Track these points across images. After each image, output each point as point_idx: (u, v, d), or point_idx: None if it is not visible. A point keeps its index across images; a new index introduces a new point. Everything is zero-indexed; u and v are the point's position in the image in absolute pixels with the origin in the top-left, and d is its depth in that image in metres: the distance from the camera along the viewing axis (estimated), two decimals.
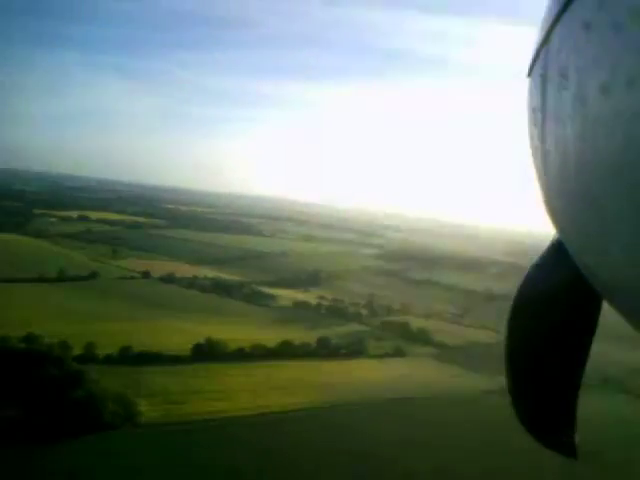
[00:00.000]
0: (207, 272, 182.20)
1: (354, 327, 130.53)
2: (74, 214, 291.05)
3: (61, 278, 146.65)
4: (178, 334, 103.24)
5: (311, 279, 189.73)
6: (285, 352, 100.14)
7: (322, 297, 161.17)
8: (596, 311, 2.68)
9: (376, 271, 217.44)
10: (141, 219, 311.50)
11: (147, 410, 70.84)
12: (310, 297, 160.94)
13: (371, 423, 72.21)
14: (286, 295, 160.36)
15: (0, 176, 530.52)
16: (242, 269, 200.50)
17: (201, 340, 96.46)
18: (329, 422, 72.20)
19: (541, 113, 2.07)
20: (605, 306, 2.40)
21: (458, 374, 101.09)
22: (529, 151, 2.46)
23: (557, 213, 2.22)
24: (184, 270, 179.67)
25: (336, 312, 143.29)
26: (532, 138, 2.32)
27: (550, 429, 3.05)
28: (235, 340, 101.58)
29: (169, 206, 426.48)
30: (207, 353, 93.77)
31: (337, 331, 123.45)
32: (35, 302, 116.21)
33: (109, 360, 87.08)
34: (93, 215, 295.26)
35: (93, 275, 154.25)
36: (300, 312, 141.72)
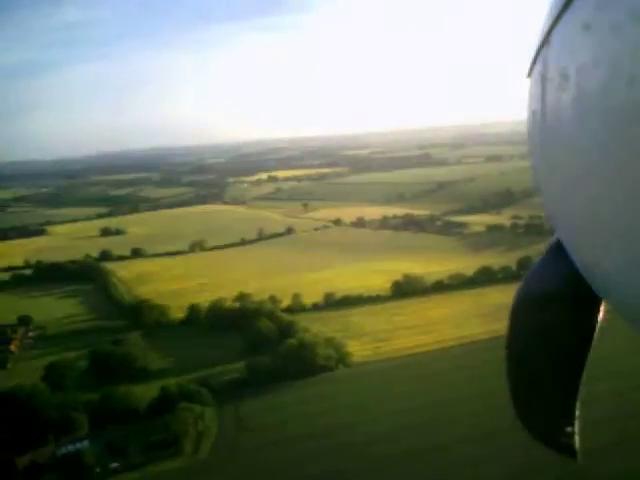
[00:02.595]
0: (396, 211, 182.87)
1: None
2: (263, 176, 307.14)
3: (260, 238, 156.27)
4: (376, 274, 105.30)
5: (503, 200, 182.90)
6: (485, 279, 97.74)
7: (517, 217, 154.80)
8: (596, 311, 2.65)
9: None
10: (325, 170, 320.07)
11: (357, 350, 73.36)
12: (504, 219, 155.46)
13: None
14: (479, 221, 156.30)
15: (191, 153, 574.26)
16: (431, 202, 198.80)
17: (399, 277, 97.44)
18: None
19: (541, 113, 2.05)
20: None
21: None
22: (529, 151, 2.44)
23: (557, 213, 2.21)
24: (374, 212, 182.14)
25: (534, 230, 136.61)
26: (532, 138, 2.30)
27: (550, 429, 3.04)
28: (432, 273, 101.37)
29: (349, 153, 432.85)
30: (406, 289, 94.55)
31: (538, 249, 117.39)
32: (241, 264, 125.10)
33: (316, 308, 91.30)
34: (280, 174, 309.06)
35: (289, 231, 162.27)
36: (495, 236, 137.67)
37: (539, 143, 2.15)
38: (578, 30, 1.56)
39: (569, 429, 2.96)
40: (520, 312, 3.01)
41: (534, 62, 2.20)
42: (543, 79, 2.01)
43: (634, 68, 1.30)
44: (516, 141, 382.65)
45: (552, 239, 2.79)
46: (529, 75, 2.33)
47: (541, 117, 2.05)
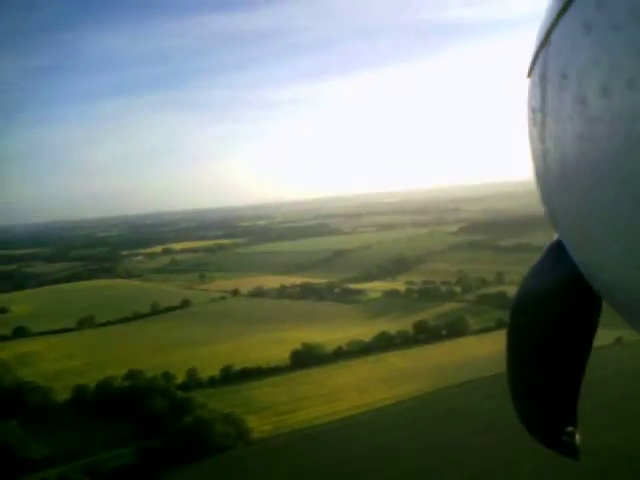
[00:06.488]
0: (294, 280, 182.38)
1: (450, 306, 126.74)
2: (158, 249, 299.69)
3: (155, 312, 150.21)
4: (275, 345, 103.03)
5: (397, 267, 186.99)
6: (383, 344, 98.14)
7: (411, 282, 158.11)
8: (596, 311, 2.69)
9: (462, 246, 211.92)
10: (222, 241, 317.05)
11: (257, 425, 70.34)
12: (399, 285, 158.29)
13: (488, 401, 68.86)
14: (375, 287, 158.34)
15: (84, 226, 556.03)
16: (328, 270, 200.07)
17: (298, 347, 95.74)
18: (441, 408, 69.47)
19: (541, 113, 2.05)
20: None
21: None
22: (528, 151, 2.45)
23: (557, 213, 2.21)
24: (272, 282, 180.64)
25: (428, 295, 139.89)
26: (532, 139, 2.30)
27: (550, 429, 3.08)
28: (332, 341, 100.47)
29: (246, 224, 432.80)
30: (306, 358, 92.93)
31: (433, 313, 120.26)
32: (133, 339, 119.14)
33: (212, 382, 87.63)
34: (176, 246, 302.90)
35: (185, 303, 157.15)
36: (392, 301, 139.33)
37: (538, 142, 2.14)
38: (578, 30, 1.55)
39: (570, 429, 2.96)
40: (520, 312, 3.03)
41: (534, 62, 2.18)
42: (543, 79, 1.99)
43: (634, 68, 1.29)
44: (407, 210, 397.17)
45: (552, 239, 2.83)
46: (529, 75, 2.29)
47: (541, 117, 2.04)
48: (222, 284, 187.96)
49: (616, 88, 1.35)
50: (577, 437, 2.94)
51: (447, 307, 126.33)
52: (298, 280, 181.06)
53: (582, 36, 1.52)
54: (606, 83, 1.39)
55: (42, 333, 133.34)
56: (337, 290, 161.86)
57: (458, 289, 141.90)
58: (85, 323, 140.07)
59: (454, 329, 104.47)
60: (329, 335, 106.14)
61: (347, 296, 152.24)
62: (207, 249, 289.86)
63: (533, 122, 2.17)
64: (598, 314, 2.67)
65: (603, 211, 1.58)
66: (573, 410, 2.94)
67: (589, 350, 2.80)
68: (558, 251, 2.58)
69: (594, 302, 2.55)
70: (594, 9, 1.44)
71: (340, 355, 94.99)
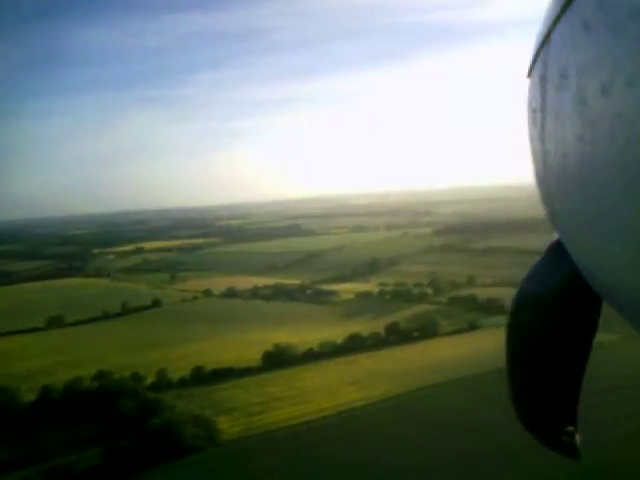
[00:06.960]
0: (267, 281, 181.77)
1: (422, 308, 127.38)
2: (130, 248, 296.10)
3: (125, 312, 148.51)
4: (246, 346, 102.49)
5: (370, 269, 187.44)
6: (355, 345, 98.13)
7: (384, 284, 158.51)
8: (596, 311, 2.72)
9: (434, 248, 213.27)
10: (195, 241, 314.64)
11: (227, 427, 69.88)
12: (371, 287, 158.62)
13: (458, 404, 69.32)
14: (348, 289, 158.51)
15: (55, 223, 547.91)
16: (301, 271, 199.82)
17: (270, 347, 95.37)
18: (412, 410, 69.70)
19: (541, 113, 2.04)
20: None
21: None
22: (528, 152, 2.46)
23: (557, 213, 2.21)
24: (244, 282, 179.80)
25: (400, 296, 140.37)
26: (532, 139, 2.31)
27: (550, 429, 3.09)
28: (304, 342, 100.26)
29: (221, 223, 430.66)
30: (278, 359, 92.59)
31: (404, 315, 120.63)
32: (102, 339, 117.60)
33: (183, 383, 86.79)
34: (148, 246, 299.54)
35: (155, 303, 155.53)
36: (364, 303, 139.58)
37: (538, 143, 2.13)
38: (578, 30, 1.54)
39: (570, 428, 2.98)
40: (519, 312, 3.06)
41: (534, 62, 2.17)
42: (543, 79, 1.98)
43: (634, 68, 1.28)
44: (380, 212, 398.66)
45: (552, 239, 2.84)
46: (529, 75, 2.29)
47: (541, 117, 2.04)
48: (194, 284, 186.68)
49: (616, 88, 1.34)
50: (577, 437, 2.94)
51: (419, 309, 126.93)
52: (271, 281, 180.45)
53: (582, 36, 1.52)
54: (606, 83, 1.38)
55: (10, 332, 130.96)
56: (309, 291, 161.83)
57: (430, 291, 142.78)
58: (54, 323, 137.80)
59: (425, 331, 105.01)
60: (301, 336, 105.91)
61: (319, 297, 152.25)
62: (180, 248, 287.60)
63: (533, 122, 2.16)
64: (598, 314, 2.68)
65: (603, 211, 1.58)
66: (573, 410, 2.94)
67: (589, 350, 2.81)
68: (558, 251, 2.58)
69: (594, 302, 2.55)
70: (594, 9, 1.44)
71: (312, 356, 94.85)
